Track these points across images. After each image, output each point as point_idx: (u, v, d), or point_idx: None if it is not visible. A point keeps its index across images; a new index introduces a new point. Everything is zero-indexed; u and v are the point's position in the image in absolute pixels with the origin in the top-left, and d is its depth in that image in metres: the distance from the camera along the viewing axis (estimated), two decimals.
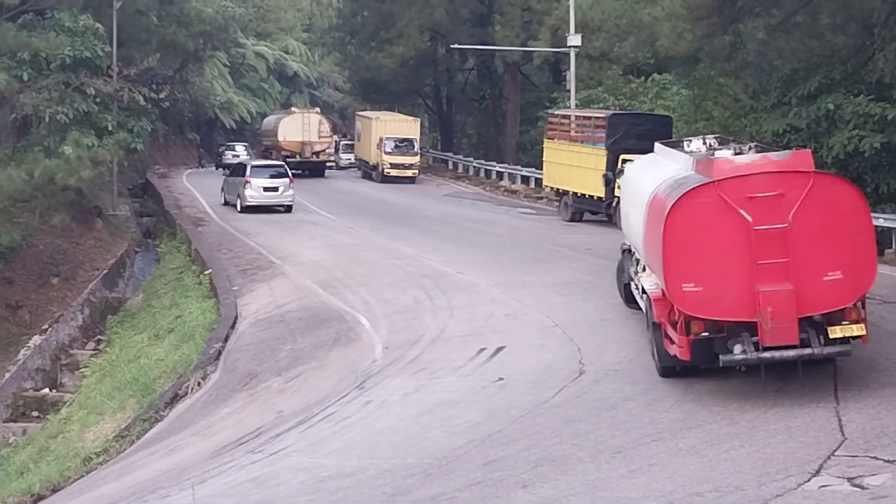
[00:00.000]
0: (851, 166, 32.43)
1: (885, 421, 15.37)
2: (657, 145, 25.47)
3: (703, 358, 17.22)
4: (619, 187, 29.57)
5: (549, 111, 48.11)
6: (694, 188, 17.16)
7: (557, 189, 43.49)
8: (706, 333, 17.00)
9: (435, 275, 30.45)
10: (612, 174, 35.53)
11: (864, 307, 17.21)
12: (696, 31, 34.17)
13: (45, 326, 37.36)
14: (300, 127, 60.90)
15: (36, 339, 36.30)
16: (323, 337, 25.63)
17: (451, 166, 67.15)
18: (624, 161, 33.09)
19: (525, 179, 55.09)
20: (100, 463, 23.42)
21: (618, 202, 30.41)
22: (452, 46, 60.55)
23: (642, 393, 18.44)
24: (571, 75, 49.25)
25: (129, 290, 42.22)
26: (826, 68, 33.46)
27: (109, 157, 45.90)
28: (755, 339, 16.54)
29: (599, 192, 38.27)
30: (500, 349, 22.22)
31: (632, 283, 23.04)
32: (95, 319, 38.49)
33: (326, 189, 57.07)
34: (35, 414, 32.25)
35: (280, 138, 61.39)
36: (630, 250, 23.58)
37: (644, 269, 21.09)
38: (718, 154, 18.99)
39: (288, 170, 48.36)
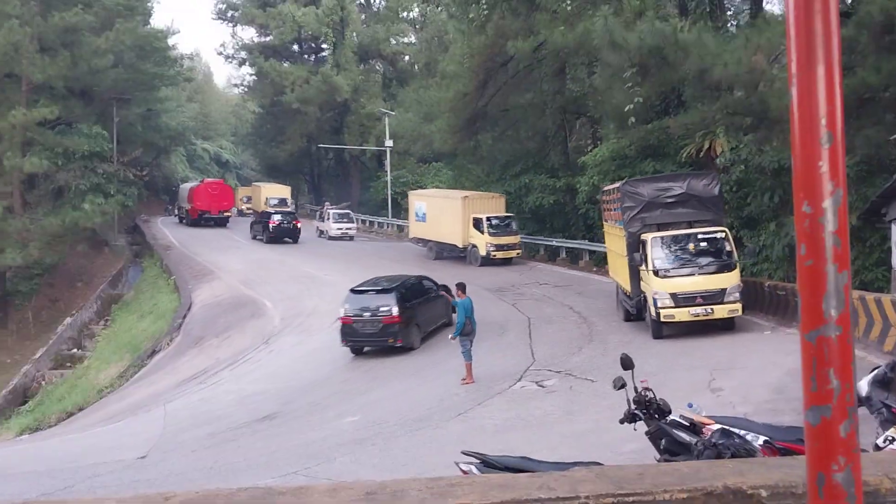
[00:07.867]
0: (539, 213, 33.31)
1: (554, 350, 16.09)
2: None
3: None
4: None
5: (603, 187, 20.95)
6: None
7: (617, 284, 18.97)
8: None
9: (311, 277, 29.93)
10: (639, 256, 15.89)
11: None
12: (454, 139, 34.86)
13: (74, 312, 35.08)
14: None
15: (68, 320, 34.06)
16: (243, 313, 24.93)
17: (317, 217, 64.14)
18: (642, 242, 15.75)
19: (362, 220, 53.65)
20: (108, 392, 22.22)
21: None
22: (320, 146, 60.35)
23: (437, 336, 18.66)
24: (388, 163, 49.50)
25: (125, 289, 39.93)
26: (524, 160, 34.51)
27: (112, 211, 44.06)
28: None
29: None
30: None
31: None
32: (104, 307, 36.37)
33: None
34: (68, 364, 30.18)
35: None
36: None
37: None
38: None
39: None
